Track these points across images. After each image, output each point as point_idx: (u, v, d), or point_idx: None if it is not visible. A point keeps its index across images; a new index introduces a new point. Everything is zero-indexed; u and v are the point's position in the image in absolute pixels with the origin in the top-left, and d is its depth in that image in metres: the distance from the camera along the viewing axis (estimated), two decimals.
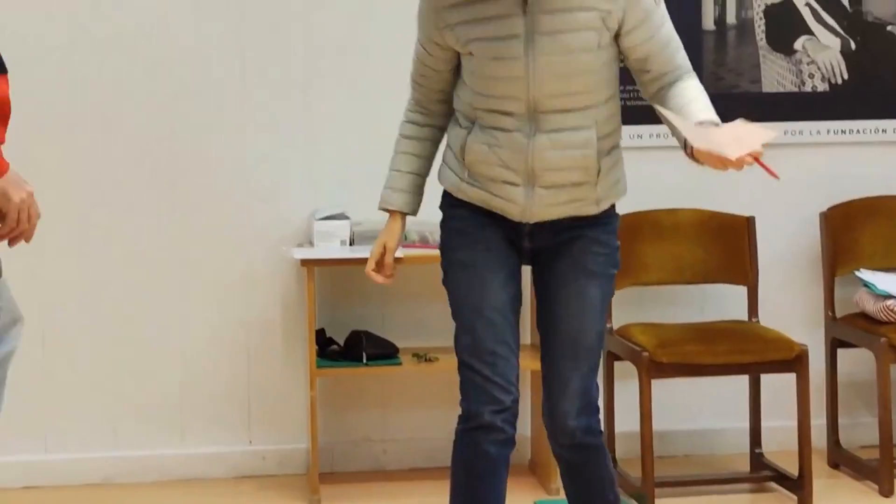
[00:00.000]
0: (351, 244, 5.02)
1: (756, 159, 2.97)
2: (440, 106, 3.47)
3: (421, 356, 5.12)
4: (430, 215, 5.12)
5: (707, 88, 5.26)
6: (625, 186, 3.48)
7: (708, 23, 5.32)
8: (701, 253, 5.27)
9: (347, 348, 5.10)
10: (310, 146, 5.24)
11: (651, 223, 5.23)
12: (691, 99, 3.27)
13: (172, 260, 5.19)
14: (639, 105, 5.23)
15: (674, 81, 3.33)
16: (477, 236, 3.40)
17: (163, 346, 5.21)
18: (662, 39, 3.30)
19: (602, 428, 3.46)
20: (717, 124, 3.15)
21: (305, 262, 4.94)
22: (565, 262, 3.36)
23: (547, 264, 3.40)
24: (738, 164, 2.95)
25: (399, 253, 4.83)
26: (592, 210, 3.35)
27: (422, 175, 3.56)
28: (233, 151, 5.20)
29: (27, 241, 2.82)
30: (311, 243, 5.06)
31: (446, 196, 3.50)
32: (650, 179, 5.20)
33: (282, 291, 5.25)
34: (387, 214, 3.58)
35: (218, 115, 5.19)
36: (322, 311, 5.17)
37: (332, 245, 4.99)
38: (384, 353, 5.09)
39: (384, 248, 3.54)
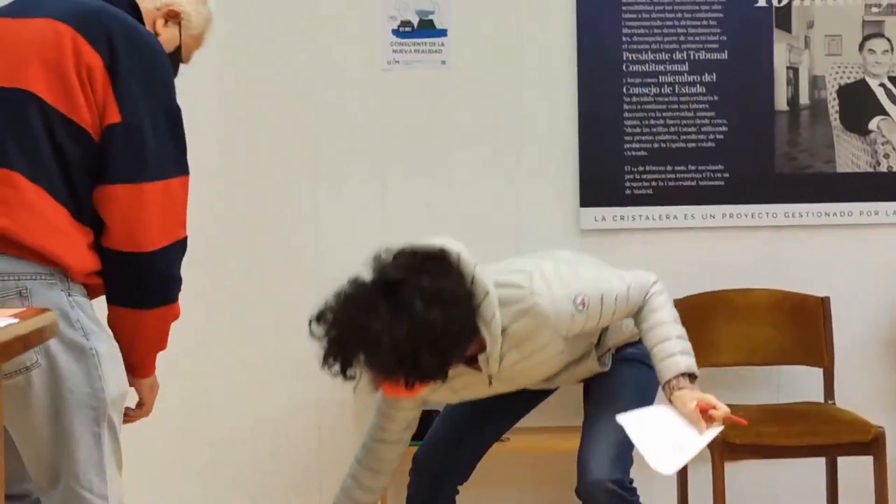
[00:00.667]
0: None
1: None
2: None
3: None
4: None
5: (781, 169, 5.31)
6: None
7: (781, 103, 5.31)
8: (775, 334, 5.21)
9: (418, 427, 5.08)
10: (384, 227, 5.27)
11: (723, 303, 5.19)
12: (659, 339, 3.48)
13: (245, 336, 5.22)
14: (709, 185, 5.26)
15: (640, 315, 3.53)
16: None
17: (235, 423, 5.22)
18: (607, 315, 3.48)
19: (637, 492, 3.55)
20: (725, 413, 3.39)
21: None
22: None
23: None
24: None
25: None
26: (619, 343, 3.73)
27: None
28: (306, 231, 5.25)
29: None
30: None
31: None
32: (722, 259, 5.18)
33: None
34: None
35: (292, 193, 5.24)
36: None
37: None
38: None
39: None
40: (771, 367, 5.30)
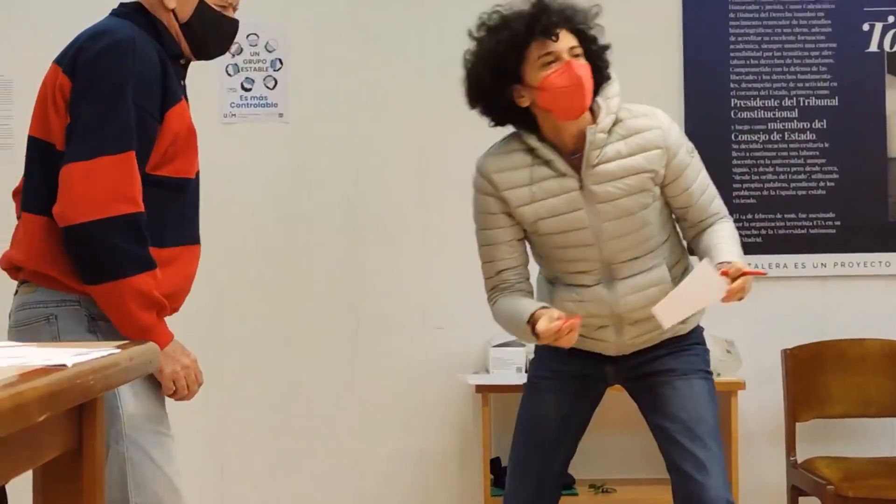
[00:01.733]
0: (526, 371, 4.98)
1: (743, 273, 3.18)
2: (525, 283, 3.51)
3: (598, 487, 5.04)
4: None
5: (894, 217, 5.20)
6: None
7: (894, 150, 5.21)
8: (890, 385, 5.08)
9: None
10: None
11: (836, 353, 5.08)
12: (721, 240, 3.39)
13: (350, 386, 5.23)
14: (820, 234, 5.17)
15: (708, 226, 3.47)
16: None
17: (340, 473, 5.22)
18: (697, 190, 3.45)
19: None
20: (740, 267, 3.23)
21: (481, 389, 4.93)
22: (663, 372, 3.50)
23: (643, 379, 3.54)
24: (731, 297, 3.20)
25: None
26: (683, 330, 3.50)
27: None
28: (410, 279, 5.25)
29: (187, 399, 3.03)
30: (486, 370, 5.05)
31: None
32: (834, 308, 5.08)
33: (457, 419, 5.24)
34: None
35: (395, 244, 5.26)
36: (498, 440, 5.13)
37: (507, 372, 4.97)
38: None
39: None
40: (886, 418, 5.17)
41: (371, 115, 5.29)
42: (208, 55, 3.18)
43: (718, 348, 4.98)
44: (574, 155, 3.35)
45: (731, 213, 5.06)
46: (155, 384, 2.95)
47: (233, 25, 3.16)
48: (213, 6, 3.08)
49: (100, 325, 2.91)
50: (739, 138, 5.21)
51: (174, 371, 2.93)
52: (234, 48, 5.21)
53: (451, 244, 5.25)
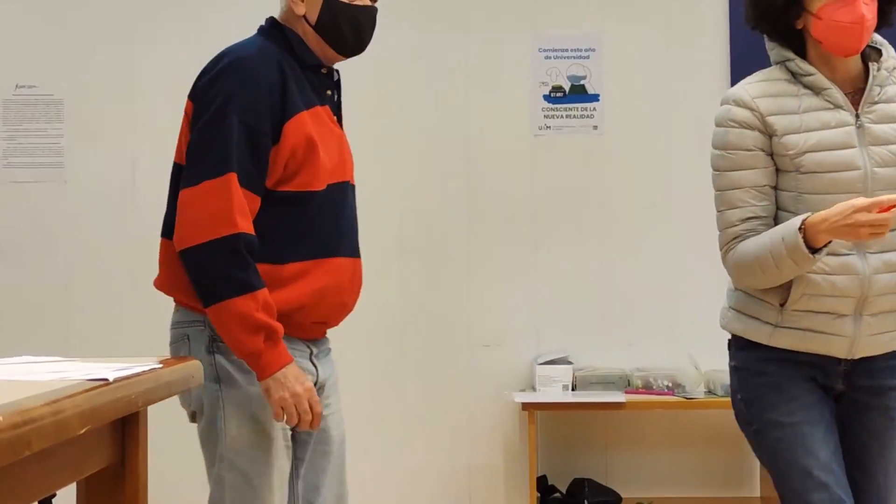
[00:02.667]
0: (573, 389, 4.98)
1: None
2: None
3: None
4: (653, 361, 5.12)
5: None
6: None
7: None
8: None
9: (569, 496, 5.04)
10: (533, 292, 5.26)
11: None
12: None
13: (397, 403, 5.24)
14: None
15: None
16: (793, 392, 2.96)
17: (387, 489, 5.23)
18: None
19: None
20: None
21: (527, 406, 4.92)
22: (880, 417, 3.00)
23: (857, 411, 3.02)
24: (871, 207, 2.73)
25: (622, 398, 4.85)
26: None
27: None
28: (458, 297, 5.26)
29: (312, 428, 2.94)
30: (533, 388, 5.05)
31: (746, 349, 3.03)
32: None
33: (504, 436, 5.24)
34: None
35: (442, 261, 5.27)
36: (544, 457, 5.13)
37: (554, 389, 4.96)
38: (607, 501, 5.00)
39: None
40: None
41: (418, 135, 5.31)
42: (350, 50, 3.10)
43: None
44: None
45: None
46: (268, 409, 2.90)
47: (367, 14, 3.08)
48: (340, 0, 3.04)
49: (219, 346, 2.92)
50: None
51: (282, 397, 2.85)
52: None
53: (497, 261, 5.26)
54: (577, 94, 5.27)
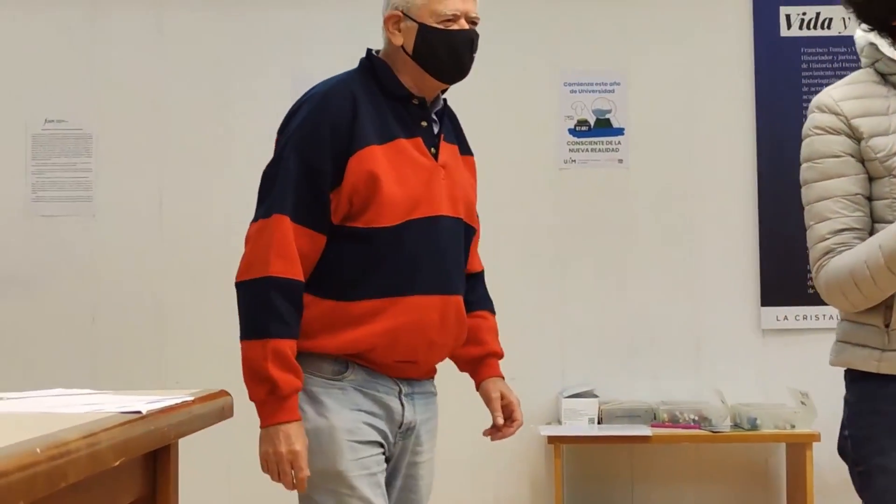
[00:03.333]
0: (599, 422, 4.98)
1: None
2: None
3: None
4: (679, 394, 5.11)
5: None
6: None
7: None
8: None
9: None
10: (558, 325, 5.26)
11: None
12: None
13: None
14: None
15: None
16: None
17: None
18: None
19: None
20: None
21: (553, 440, 4.92)
22: None
23: None
24: None
25: (648, 431, 4.84)
26: None
27: None
28: None
29: (292, 490, 2.90)
30: (559, 421, 5.04)
31: (857, 381, 2.75)
32: None
33: (530, 470, 5.23)
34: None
35: None
36: (570, 491, 5.12)
37: (580, 423, 4.96)
38: None
39: None
40: None
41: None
42: (449, 76, 3.03)
43: (793, 400, 4.94)
44: None
45: (806, 262, 5.10)
46: (343, 442, 2.88)
47: (464, 38, 3.00)
48: (435, 26, 2.98)
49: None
50: None
51: (265, 452, 2.83)
52: None
53: (522, 294, 5.26)
54: (603, 127, 5.29)
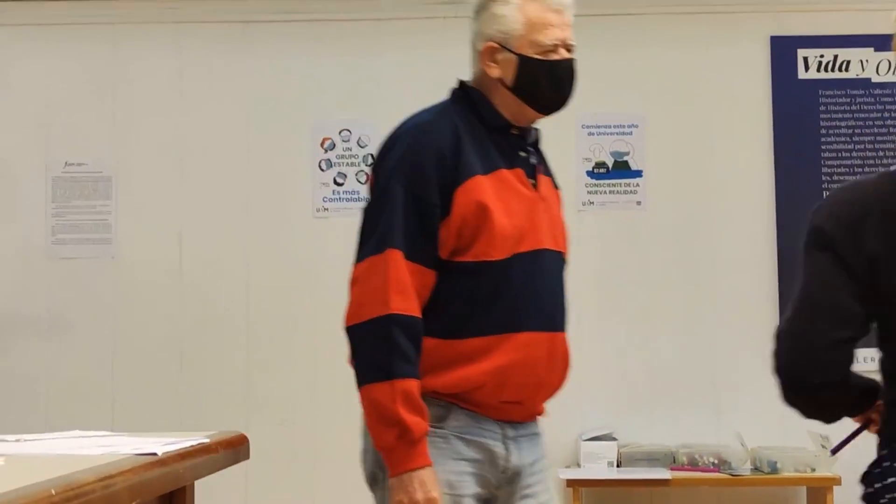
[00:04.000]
0: (618, 466, 4.95)
1: None
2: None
3: None
4: (698, 437, 5.08)
5: None
6: None
7: None
8: None
9: None
10: (577, 367, 5.22)
11: None
12: None
13: None
14: None
15: None
16: None
17: None
18: None
19: None
20: None
21: (572, 483, 4.89)
22: None
23: None
24: None
25: (667, 474, 4.81)
26: None
27: None
28: None
29: None
30: (578, 464, 5.02)
31: None
32: None
33: None
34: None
35: None
36: None
37: (599, 466, 4.94)
38: None
39: None
40: None
41: None
42: (551, 108, 2.97)
43: (813, 443, 4.91)
44: None
45: None
46: (445, 497, 2.72)
47: (566, 67, 2.92)
48: (535, 56, 2.87)
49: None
50: None
51: (399, 502, 2.68)
52: (326, 143, 5.31)
53: None
54: (621, 169, 5.29)
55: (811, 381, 2.32)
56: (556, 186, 3.09)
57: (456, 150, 2.79)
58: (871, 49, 5.16)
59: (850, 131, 5.23)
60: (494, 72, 2.89)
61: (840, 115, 5.23)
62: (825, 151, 5.23)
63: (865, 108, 5.23)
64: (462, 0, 5.31)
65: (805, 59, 5.27)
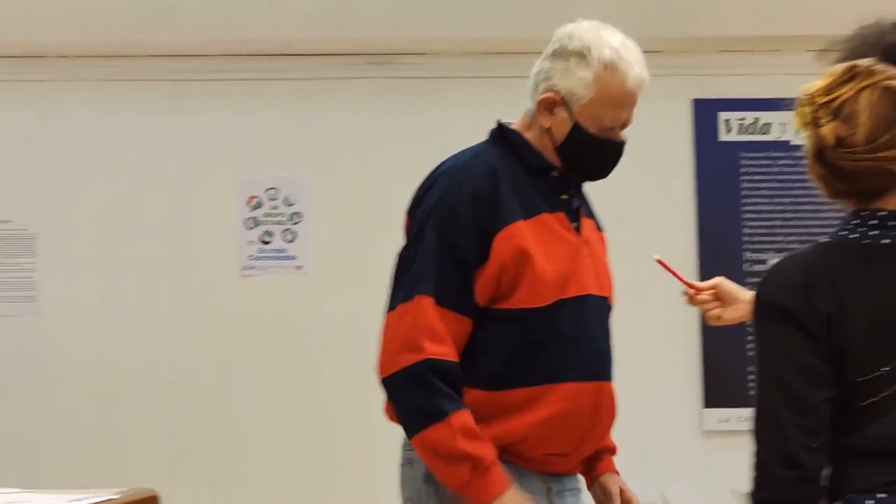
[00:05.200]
0: None
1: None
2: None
3: None
4: None
5: None
6: None
7: None
8: None
9: None
10: None
11: None
12: None
13: None
14: None
15: None
16: None
17: None
18: None
19: None
20: None
21: None
22: None
23: None
24: None
25: None
26: None
27: None
28: None
29: None
30: None
31: None
32: None
33: None
34: None
35: None
36: None
37: None
38: None
39: None
40: None
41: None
42: (584, 177, 2.92)
43: (737, 502, 4.93)
44: None
45: (747, 365, 5.14)
46: None
47: (613, 148, 2.86)
48: (589, 130, 2.80)
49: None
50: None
51: None
52: (253, 202, 5.31)
53: None
54: None
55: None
56: (599, 229, 3.04)
57: (494, 194, 2.71)
58: (792, 112, 5.24)
59: (771, 192, 5.31)
60: (546, 122, 2.83)
61: (761, 177, 5.30)
62: (746, 213, 5.30)
63: (786, 169, 5.31)
64: (390, 61, 5.37)
65: (726, 122, 5.35)
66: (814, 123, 2.24)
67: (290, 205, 5.34)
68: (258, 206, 5.33)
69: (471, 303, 2.68)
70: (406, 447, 2.78)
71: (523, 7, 5.11)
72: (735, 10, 5.19)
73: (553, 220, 2.80)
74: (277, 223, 5.33)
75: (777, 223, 5.29)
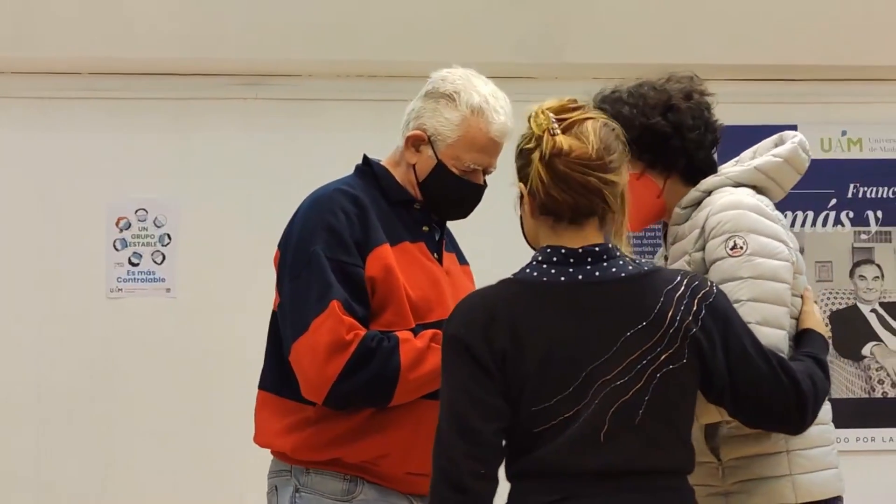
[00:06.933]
0: None
1: None
2: None
3: None
4: None
5: None
6: None
7: None
8: None
9: None
10: None
11: None
12: None
13: None
14: None
15: None
16: None
17: None
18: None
19: None
20: None
21: None
22: None
23: None
24: None
25: None
26: None
27: None
28: None
29: None
30: None
31: None
32: None
33: None
34: None
35: None
36: None
37: None
38: None
39: None
40: None
41: (262, 290, 5.30)
42: (444, 216, 3.04)
43: None
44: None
45: None
46: None
47: (473, 190, 2.97)
48: (452, 169, 2.93)
49: (302, 497, 2.80)
50: None
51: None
52: (122, 223, 5.24)
53: None
54: None
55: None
56: (464, 262, 3.15)
57: (363, 217, 2.84)
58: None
59: None
60: (412, 159, 2.95)
61: None
62: None
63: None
64: (262, 82, 5.34)
65: None
66: (549, 131, 2.36)
67: (160, 226, 5.27)
68: (127, 227, 5.26)
69: (367, 313, 2.80)
70: (272, 475, 2.89)
71: (397, 31, 5.12)
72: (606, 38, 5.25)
73: (415, 249, 2.93)
74: (146, 245, 5.26)
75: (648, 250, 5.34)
